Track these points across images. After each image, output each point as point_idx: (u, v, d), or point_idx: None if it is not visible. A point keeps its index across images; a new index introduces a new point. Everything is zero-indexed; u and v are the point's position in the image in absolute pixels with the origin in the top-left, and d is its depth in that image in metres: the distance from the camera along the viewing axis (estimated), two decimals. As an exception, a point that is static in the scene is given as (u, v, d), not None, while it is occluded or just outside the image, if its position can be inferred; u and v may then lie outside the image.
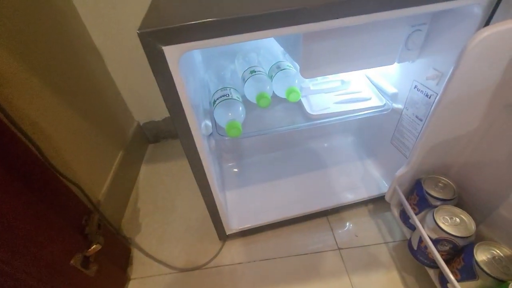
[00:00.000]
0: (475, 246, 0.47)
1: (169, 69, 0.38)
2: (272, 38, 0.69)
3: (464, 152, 0.54)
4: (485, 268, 0.44)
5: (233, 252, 0.74)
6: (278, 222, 0.75)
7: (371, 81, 0.73)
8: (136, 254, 0.75)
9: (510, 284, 0.40)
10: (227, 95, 0.62)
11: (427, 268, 0.60)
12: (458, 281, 0.49)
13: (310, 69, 0.53)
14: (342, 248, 0.73)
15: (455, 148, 0.55)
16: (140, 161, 1.03)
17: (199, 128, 0.48)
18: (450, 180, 0.57)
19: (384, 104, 0.65)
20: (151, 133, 1.07)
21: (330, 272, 0.68)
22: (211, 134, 0.61)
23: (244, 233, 0.76)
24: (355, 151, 0.90)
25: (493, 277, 0.43)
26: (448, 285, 0.53)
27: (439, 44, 0.53)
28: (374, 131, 0.83)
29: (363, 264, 0.69)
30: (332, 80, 0.71)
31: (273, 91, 0.67)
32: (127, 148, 0.92)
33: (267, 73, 0.69)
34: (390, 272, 0.67)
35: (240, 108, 0.62)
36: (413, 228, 0.61)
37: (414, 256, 0.60)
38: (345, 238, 0.75)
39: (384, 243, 0.73)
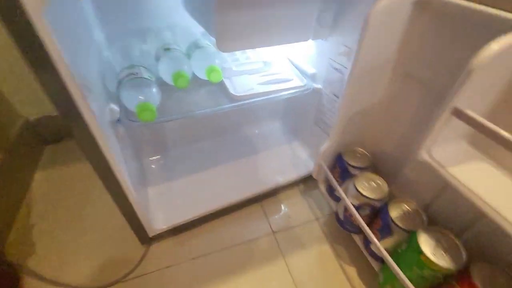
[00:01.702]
0: (389, 205, 0.51)
1: (31, 23, 0.28)
2: (189, 16, 0.63)
3: (374, 122, 0.59)
4: (398, 223, 0.48)
5: (160, 255, 0.65)
6: (210, 214, 0.69)
7: (292, 63, 0.74)
8: (28, 282, 0.59)
9: (418, 231, 0.44)
10: (136, 74, 0.53)
11: (353, 235, 0.63)
12: (379, 240, 0.53)
13: (225, 41, 0.49)
14: (276, 232, 0.72)
15: (367, 119, 0.59)
16: (33, 167, 0.82)
17: (96, 112, 0.39)
18: (365, 150, 0.61)
19: (305, 84, 0.67)
20: (48, 131, 0.87)
21: (266, 258, 0.67)
22: (118, 120, 0.52)
23: (175, 232, 0.68)
24: (283, 135, 0.91)
25: (405, 230, 0.48)
26: (371, 246, 0.57)
27: (348, 21, 0.56)
28: (299, 114, 0.85)
29: (297, 244, 0.70)
30: (255, 61, 0.70)
31: (193, 72, 0.62)
32: (9, 152, 0.72)
33: (185, 52, 0.63)
34: (322, 246, 0.69)
35: (154, 89, 0.54)
36: (338, 200, 0.64)
37: (341, 225, 0.63)
38: (279, 222, 0.74)
39: (316, 219, 0.75)
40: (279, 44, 0.57)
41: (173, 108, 0.59)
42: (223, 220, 0.74)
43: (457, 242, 0.43)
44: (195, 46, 0.62)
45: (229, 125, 0.90)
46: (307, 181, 0.83)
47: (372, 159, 0.60)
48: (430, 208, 0.51)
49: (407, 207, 0.51)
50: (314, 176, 0.67)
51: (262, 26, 0.51)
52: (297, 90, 0.66)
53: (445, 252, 0.42)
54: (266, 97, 0.64)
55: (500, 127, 0.30)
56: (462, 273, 0.40)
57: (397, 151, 0.56)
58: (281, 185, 0.77)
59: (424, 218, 0.49)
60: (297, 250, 0.68)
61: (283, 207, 0.78)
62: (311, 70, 0.69)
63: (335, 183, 0.59)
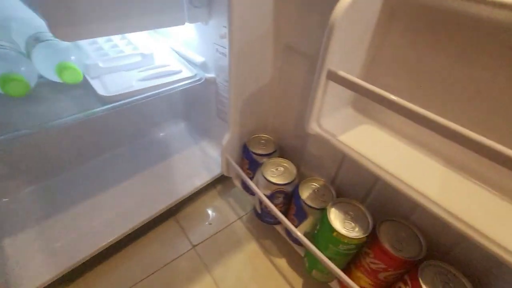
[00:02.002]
0: (299, 187, 0.48)
1: None
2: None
3: (270, 104, 0.56)
4: (310, 203, 0.46)
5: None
6: (115, 244, 0.56)
7: (178, 54, 0.65)
8: None
9: (327, 208, 0.42)
10: None
11: (275, 227, 0.60)
12: (296, 226, 0.50)
13: (62, 25, 0.37)
14: (197, 245, 0.63)
15: (262, 102, 0.56)
16: None
17: None
18: (269, 135, 0.58)
19: (195, 75, 0.59)
20: None
21: (189, 278, 0.57)
22: None
23: (71, 277, 0.52)
24: (190, 136, 0.82)
25: (317, 208, 0.46)
26: (292, 233, 0.54)
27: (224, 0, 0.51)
28: (200, 110, 0.77)
29: (222, 251, 0.62)
30: (130, 54, 0.58)
31: (40, 73, 0.47)
32: None
33: (25, 50, 0.48)
34: (249, 245, 0.64)
35: None
36: (254, 193, 0.60)
37: (261, 219, 0.59)
38: (198, 232, 0.66)
39: (239, 218, 0.70)
40: (145, 29, 0.48)
41: (26, 122, 0.44)
42: (134, 247, 0.61)
43: (363, 208, 0.42)
44: (36, 39, 0.47)
45: (124, 135, 0.76)
46: (223, 180, 0.77)
47: (277, 143, 0.57)
48: (336, 181, 0.51)
49: (316, 185, 0.50)
50: (224, 173, 0.61)
51: (115, 6, 0.41)
52: (187, 82, 0.59)
53: (354, 222, 0.41)
54: (151, 93, 0.54)
55: (376, 86, 0.29)
56: (372, 237, 0.40)
57: (298, 129, 0.54)
58: (194, 191, 0.68)
59: (333, 192, 0.48)
60: (222, 258, 0.61)
61: (200, 215, 0.69)
62: (199, 58, 0.62)
63: (244, 176, 0.54)
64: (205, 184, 0.70)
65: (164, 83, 0.55)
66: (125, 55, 0.58)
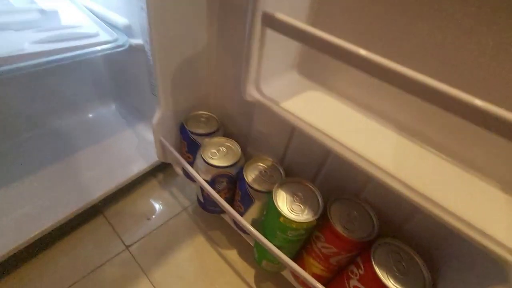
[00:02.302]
0: (243, 168, 0.42)
1: None
2: None
3: (209, 74, 0.48)
4: (256, 187, 0.40)
5: None
6: (26, 247, 0.44)
7: (95, 15, 0.53)
8: None
9: (273, 191, 0.36)
10: None
11: (222, 216, 0.53)
12: (243, 213, 0.44)
13: None
14: (131, 245, 0.54)
15: (199, 72, 0.47)
16: None
17: None
18: (210, 112, 0.50)
19: (116, 39, 0.48)
20: None
21: (121, 284, 0.48)
22: None
23: None
24: (123, 119, 0.70)
25: (264, 192, 0.40)
26: (239, 222, 0.48)
27: None
28: (131, 87, 0.66)
29: (162, 249, 0.54)
30: (23, 8, 0.45)
31: None
32: None
33: None
34: (195, 239, 0.57)
35: None
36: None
37: (205, 209, 0.51)
38: (134, 230, 0.56)
39: (183, 209, 0.62)
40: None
41: None
42: (53, 251, 0.50)
43: (312, 188, 0.38)
44: None
45: (40, 117, 0.61)
46: (165, 169, 0.68)
47: (220, 122, 0.50)
48: (285, 161, 0.45)
49: (264, 165, 0.44)
50: (159, 158, 0.52)
51: None
52: (106, 47, 0.47)
53: (303, 204, 0.36)
54: (52, 58, 0.42)
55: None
56: (323, 220, 0.35)
57: (242, 104, 0.47)
58: (129, 182, 0.58)
59: (282, 172, 0.43)
60: (163, 258, 0.53)
61: (137, 209, 0.60)
62: (122, 20, 0.51)
63: (181, 160, 0.46)
64: (142, 173, 0.60)
65: (71, 47, 0.43)
66: (16, 9, 0.44)
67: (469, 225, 0.21)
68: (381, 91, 0.30)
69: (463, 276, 0.28)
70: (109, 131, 0.66)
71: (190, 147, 0.48)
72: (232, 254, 0.56)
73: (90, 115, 0.69)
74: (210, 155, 0.43)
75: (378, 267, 0.30)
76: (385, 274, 0.30)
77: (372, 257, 0.31)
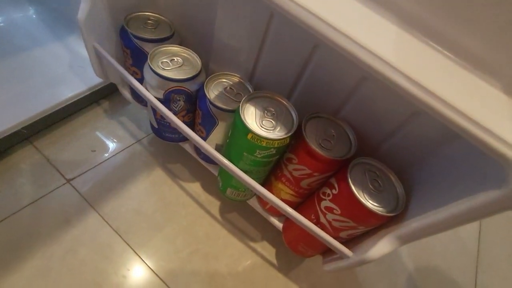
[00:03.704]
0: (205, 84, 0.34)
1: None
2: None
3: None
4: (219, 104, 0.33)
5: None
6: None
7: None
8: None
9: (240, 105, 0.30)
10: None
11: (181, 144, 0.47)
12: (205, 138, 0.38)
13: None
14: (73, 179, 0.46)
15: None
16: None
17: None
18: (161, 14, 0.39)
19: None
20: None
21: (65, 218, 0.42)
22: None
23: None
24: (47, 28, 0.55)
25: (230, 111, 0.34)
26: (200, 148, 0.42)
27: None
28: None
29: (113, 183, 0.47)
30: None
31: None
32: None
33: None
34: (153, 172, 0.51)
35: None
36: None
37: (160, 136, 0.44)
38: (75, 163, 0.48)
39: (137, 141, 0.54)
40: None
41: None
42: None
43: (286, 104, 0.32)
44: None
45: None
46: (112, 95, 0.57)
47: (174, 26, 0.40)
48: (255, 77, 0.38)
49: (229, 81, 0.37)
50: (97, 74, 0.41)
51: None
52: None
53: (275, 120, 0.30)
54: None
55: None
56: (296, 139, 0.31)
57: (205, 11, 0.37)
58: (63, 106, 0.47)
59: (251, 90, 0.36)
60: (113, 192, 0.47)
61: (76, 140, 0.50)
62: None
63: (123, 71, 0.36)
64: (79, 97, 0.49)
65: None
66: None
67: (470, 119, 0.18)
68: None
69: (438, 191, 0.26)
70: (28, 43, 0.51)
71: (136, 58, 0.38)
72: (195, 187, 0.52)
73: (1, 20, 0.52)
74: (160, 64, 0.34)
75: (354, 185, 0.27)
76: (360, 192, 0.28)
77: (348, 175, 0.28)
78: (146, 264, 0.41)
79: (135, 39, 0.36)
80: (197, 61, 0.37)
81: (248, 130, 0.28)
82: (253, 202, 0.44)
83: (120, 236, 0.43)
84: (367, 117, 0.32)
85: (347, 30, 0.21)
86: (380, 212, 0.26)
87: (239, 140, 0.30)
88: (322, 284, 0.47)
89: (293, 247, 0.40)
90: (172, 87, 0.35)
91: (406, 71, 0.19)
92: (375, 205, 0.27)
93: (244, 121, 0.29)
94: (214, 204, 0.50)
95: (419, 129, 0.28)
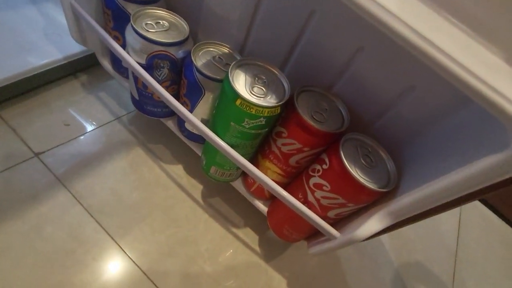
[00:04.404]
0: (192, 51, 0.32)
1: None
2: None
3: None
4: (207, 72, 0.31)
5: None
6: None
7: None
8: None
9: (231, 67, 0.28)
10: None
11: (164, 121, 0.44)
12: (191, 110, 0.36)
13: None
14: (42, 153, 0.42)
15: None
16: None
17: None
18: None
19: None
20: None
21: (31, 194, 0.38)
22: None
23: None
24: (21, -10, 0.50)
25: (218, 80, 0.31)
26: (186, 125, 0.40)
27: None
28: None
29: (87, 159, 0.44)
30: None
31: None
32: None
33: None
34: (132, 151, 0.48)
35: None
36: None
37: (142, 110, 0.41)
38: (45, 136, 0.44)
39: (116, 118, 0.50)
40: None
41: None
42: None
43: (278, 73, 0.30)
44: None
45: None
46: (91, 69, 0.53)
47: (161, -10, 0.37)
48: (246, 48, 0.36)
49: (217, 51, 0.34)
50: (73, 36, 0.38)
51: None
52: None
53: (266, 88, 0.29)
54: None
55: None
56: (287, 110, 0.29)
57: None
58: (33, 74, 0.43)
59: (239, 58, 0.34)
60: (87, 170, 0.43)
61: (48, 112, 0.46)
62: None
63: (101, 31, 0.33)
64: (53, 66, 0.45)
65: None
66: None
67: (477, 77, 0.17)
68: None
69: (429, 167, 0.25)
70: (0, 4, 0.47)
71: (118, 20, 0.35)
72: (177, 169, 0.49)
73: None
74: (144, 26, 0.32)
75: (346, 159, 0.26)
76: (352, 166, 0.26)
77: (340, 149, 0.27)
78: (119, 245, 0.38)
79: (117, -2, 0.33)
80: (184, 27, 0.34)
81: (237, 95, 0.26)
82: (238, 185, 0.42)
83: (91, 215, 0.39)
84: (359, 94, 0.31)
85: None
86: (372, 187, 0.25)
87: (226, 108, 0.28)
88: (304, 273, 0.46)
89: (278, 231, 0.38)
90: (156, 51, 0.32)
91: (411, 23, 0.18)
92: (367, 180, 0.26)
93: (233, 85, 0.27)
94: (196, 188, 0.48)
95: (410, 107, 0.27)
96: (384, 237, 0.57)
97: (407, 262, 0.55)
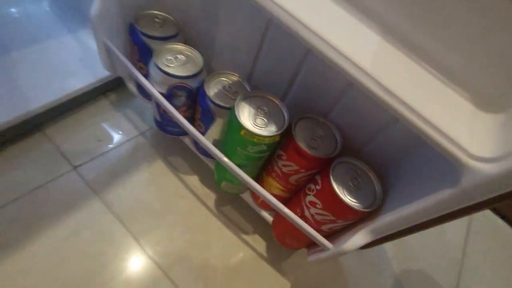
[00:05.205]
0: (205, 81, 0.37)
1: None
2: None
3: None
4: (217, 101, 0.36)
5: None
6: None
7: None
8: None
9: (235, 103, 0.33)
10: None
11: (183, 139, 0.50)
12: (204, 133, 0.41)
13: None
14: (79, 166, 0.49)
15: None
16: None
17: None
18: (168, 13, 0.42)
19: None
20: None
21: (68, 202, 0.45)
22: None
23: None
24: (60, 21, 0.58)
25: (226, 107, 0.36)
26: (198, 142, 0.45)
27: None
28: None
29: (116, 171, 0.50)
30: None
31: None
32: None
33: None
34: (153, 164, 0.54)
35: None
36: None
37: (163, 129, 0.47)
38: (81, 151, 0.51)
39: (140, 134, 0.57)
40: None
41: None
42: None
43: (278, 103, 0.35)
44: None
45: None
46: (119, 88, 0.60)
47: (180, 25, 0.42)
48: (253, 76, 0.41)
49: (227, 80, 0.39)
50: (105, 67, 0.44)
51: None
52: None
53: (267, 119, 0.33)
54: None
55: None
56: (287, 137, 0.33)
57: (206, 3, 0.40)
58: (70, 97, 0.50)
59: (248, 89, 0.39)
60: (116, 180, 0.49)
61: (84, 130, 0.53)
62: None
63: (130, 67, 0.39)
64: (88, 89, 0.52)
65: None
66: None
67: (430, 124, 0.20)
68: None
69: (410, 189, 0.29)
70: (41, 35, 0.54)
71: (143, 54, 0.41)
72: (193, 180, 0.54)
73: (13, 10, 0.55)
74: (165, 62, 0.37)
75: (335, 182, 0.30)
76: (340, 188, 0.30)
77: (330, 173, 0.30)
78: (142, 248, 0.44)
79: (143, 37, 0.39)
80: (199, 59, 0.39)
81: (241, 127, 0.31)
82: (247, 197, 0.46)
83: (120, 222, 0.46)
84: (353, 120, 0.34)
85: (333, 40, 0.23)
86: (356, 207, 0.29)
87: (233, 135, 0.33)
88: (308, 278, 0.50)
89: (281, 240, 0.43)
90: (175, 84, 0.37)
91: (380, 80, 0.21)
92: (352, 201, 0.29)
93: (239, 118, 0.31)
94: (210, 197, 0.53)
95: (397, 133, 0.31)
96: (387, 245, 0.59)
97: (409, 270, 0.57)
